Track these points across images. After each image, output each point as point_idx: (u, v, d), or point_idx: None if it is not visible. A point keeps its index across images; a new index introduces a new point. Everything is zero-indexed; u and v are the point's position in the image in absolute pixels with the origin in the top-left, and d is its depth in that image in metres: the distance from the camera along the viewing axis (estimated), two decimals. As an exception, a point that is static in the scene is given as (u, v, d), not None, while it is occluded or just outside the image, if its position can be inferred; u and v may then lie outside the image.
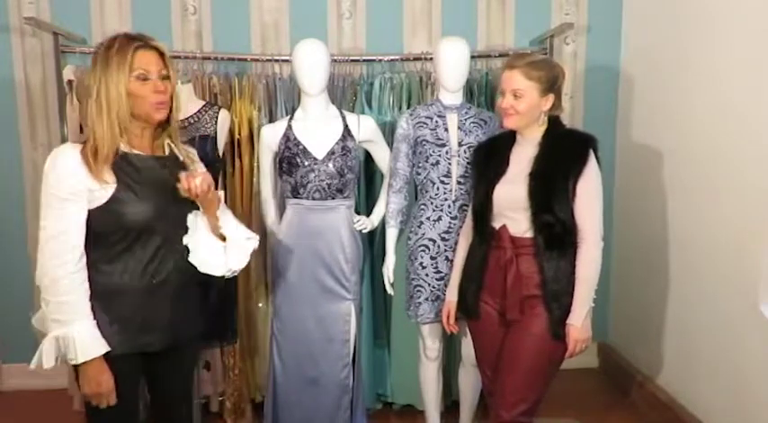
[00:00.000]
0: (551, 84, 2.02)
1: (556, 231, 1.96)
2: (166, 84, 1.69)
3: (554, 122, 2.08)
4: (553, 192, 1.97)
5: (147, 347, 1.72)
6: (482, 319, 2.15)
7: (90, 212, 1.61)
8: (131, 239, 1.65)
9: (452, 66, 2.44)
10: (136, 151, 1.68)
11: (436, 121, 2.47)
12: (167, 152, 1.78)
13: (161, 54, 1.69)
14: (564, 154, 2.01)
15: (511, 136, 2.14)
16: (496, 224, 2.08)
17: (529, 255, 2.01)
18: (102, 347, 1.62)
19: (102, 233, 1.63)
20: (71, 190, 1.58)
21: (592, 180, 1.98)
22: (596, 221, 1.99)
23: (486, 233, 2.10)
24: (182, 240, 1.73)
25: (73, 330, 1.58)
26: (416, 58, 3.10)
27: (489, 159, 2.15)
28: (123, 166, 1.64)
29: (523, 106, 2.00)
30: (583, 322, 1.98)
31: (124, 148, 1.66)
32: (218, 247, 1.78)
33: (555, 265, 1.98)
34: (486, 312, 2.13)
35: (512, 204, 2.02)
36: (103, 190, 1.60)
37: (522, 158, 2.06)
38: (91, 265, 1.63)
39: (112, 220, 1.62)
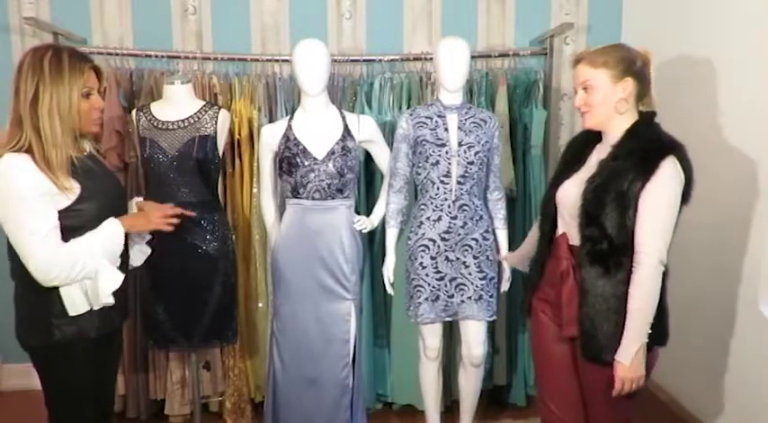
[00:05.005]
0: (626, 66, 1.76)
1: (599, 248, 1.72)
2: (101, 99, 1.83)
3: (642, 121, 1.81)
4: (605, 203, 1.71)
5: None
6: (536, 322, 2.00)
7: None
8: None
9: (452, 66, 2.44)
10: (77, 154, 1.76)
11: (436, 121, 2.47)
12: (88, 150, 1.87)
13: (98, 71, 1.82)
14: (632, 160, 1.71)
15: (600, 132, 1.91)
16: (559, 229, 1.91)
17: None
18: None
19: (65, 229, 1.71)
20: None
21: (658, 194, 1.69)
22: (654, 242, 1.69)
23: (546, 236, 1.96)
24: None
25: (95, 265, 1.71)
26: (416, 58, 3.10)
27: (574, 154, 1.95)
28: (79, 170, 1.73)
29: (596, 98, 1.78)
30: (633, 359, 1.70)
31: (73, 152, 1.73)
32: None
33: (593, 282, 1.75)
34: (540, 319, 1.98)
35: (569, 209, 1.82)
36: (65, 196, 1.68)
37: (596, 160, 1.83)
38: None
39: (76, 220, 1.71)
